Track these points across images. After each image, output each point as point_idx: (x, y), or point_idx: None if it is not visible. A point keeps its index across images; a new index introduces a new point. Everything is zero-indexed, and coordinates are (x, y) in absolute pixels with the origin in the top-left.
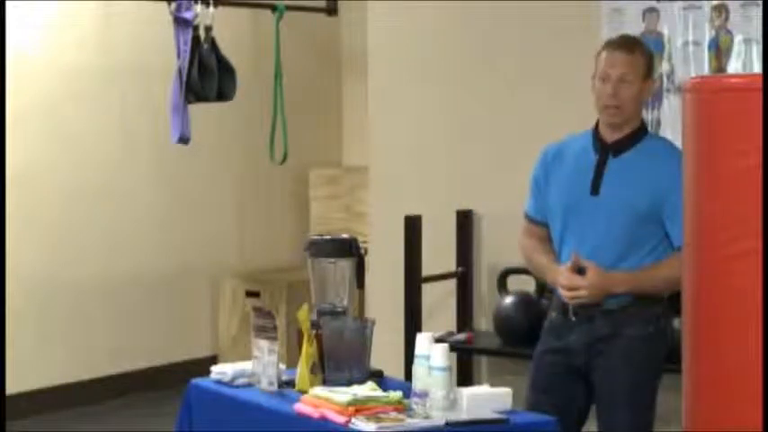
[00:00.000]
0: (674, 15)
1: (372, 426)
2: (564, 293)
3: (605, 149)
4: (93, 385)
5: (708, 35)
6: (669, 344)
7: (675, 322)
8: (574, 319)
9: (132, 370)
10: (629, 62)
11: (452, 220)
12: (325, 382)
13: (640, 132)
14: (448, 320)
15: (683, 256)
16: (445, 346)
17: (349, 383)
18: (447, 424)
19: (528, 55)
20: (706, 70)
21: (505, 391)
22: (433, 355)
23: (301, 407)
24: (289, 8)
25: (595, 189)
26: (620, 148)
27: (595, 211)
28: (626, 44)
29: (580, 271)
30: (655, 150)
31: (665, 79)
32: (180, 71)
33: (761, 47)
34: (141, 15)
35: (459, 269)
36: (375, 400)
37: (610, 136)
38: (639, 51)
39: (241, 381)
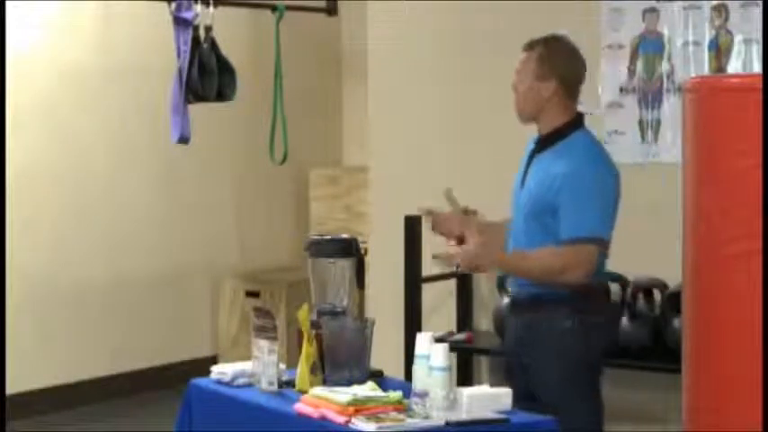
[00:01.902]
0: (674, 15)
1: (372, 426)
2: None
3: (536, 144)
4: (93, 385)
5: (708, 35)
6: (600, 337)
7: (675, 322)
8: (511, 307)
9: (132, 370)
10: (523, 59)
11: None
12: (325, 382)
13: (564, 130)
14: (448, 320)
15: (566, 249)
16: (445, 346)
17: (349, 383)
18: (447, 424)
19: None
20: (706, 70)
21: (505, 392)
22: (433, 355)
23: (301, 407)
24: (289, 8)
25: (523, 183)
26: (544, 144)
27: (519, 203)
28: (530, 43)
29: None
30: (568, 148)
31: (665, 79)
32: (180, 71)
33: (761, 47)
34: (141, 15)
35: (460, 271)
36: (375, 400)
37: (540, 132)
38: (537, 50)
39: (241, 381)
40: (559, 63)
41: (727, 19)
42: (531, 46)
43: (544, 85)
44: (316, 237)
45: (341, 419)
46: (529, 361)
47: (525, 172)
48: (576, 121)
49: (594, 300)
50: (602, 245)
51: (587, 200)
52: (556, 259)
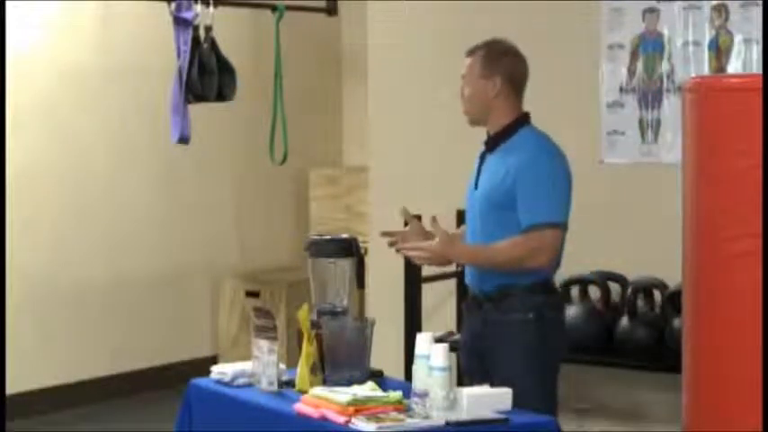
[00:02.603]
0: (674, 15)
1: (372, 426)
2: (409, 253)
3: (486, 146)
4: (93, 385)
5: (708, 35)
6: (560, 330)
7: (675, 322)
8: (471, 302)
9: (132, 370)
10: (467, 65)
11: (452, 220)
12: (325, 382)
13: (513, 127)
14: (448, 320)
15: (528, 235)
16: (445, 346)
17: (349, 383)
18: (447, 424)
19: (528, 55)
20: (706, 70)
21: (505, 391)
22: (433, 355)
23: (301, 407)
24: (289, 8)
25: (476, 184)
26: (494, 144)
27: (474, 204)
28: (470, 49)
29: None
30: (517, 144)
31: (665, 79)
32: (180, 71)
33: (761, 47)
34: (141, 15)
35: (459, 269)
36: (375, 400)
37: (489, 133)
38: (479, 53)
39: (241, 381)
40: (503, 61)
41: (727, 19)
42: (473, 51)
43: (490, 84)
44: (316, 237)
45: (341, 419)
46: (488, 356)
47: (478, 174)
48: (523, 119)
49: (551, 294)
50: (563, 228)
51: (542, 187)
52: (519, 247)
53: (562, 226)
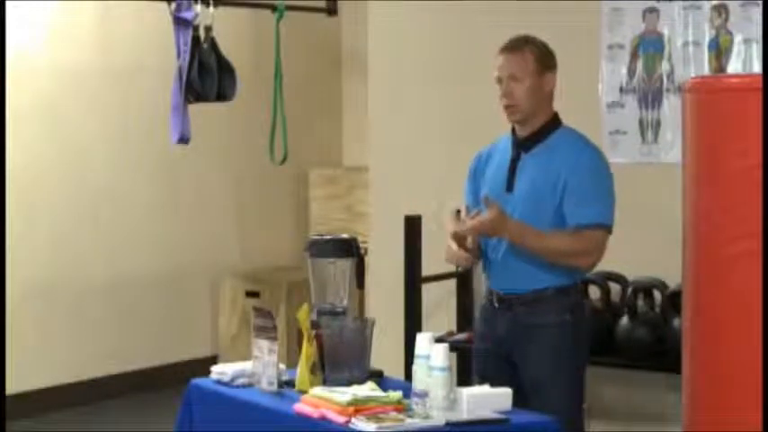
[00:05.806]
0: (674, 15)
1: (372, 426)
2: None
3: (518, 146)
4: (93, 385)
5: (708, 35)
6: (588, 331)
7: (675, 322)
8: (497, 305)
9: (132, 370)
10: (515, 61)
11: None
12: (325, 382)
13: (550, 126)
14: (448, 320)
15: (586, 233)
16: (445, 346)
17: (349, 383)
18: (447, 424)
19: None
20: (706, 70)
21: (505, 391)
22: (433, 355)
23: (301, 407)
24: (289, 8)
25: (510, 186)
26: (530, 144)
27: (509, 206)
28: (512, 45)
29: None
30: (559, 143)
31: (665, 79)
32: (180, 71)
33: (761, 47)
34: (141, 15)
35: (459, 269)
36: (375, 400)
37: (521, 133)
38: (528, 49)
39: (241, 381)
40: (551, 55)
41: (727, 19)
42: (516, 47)
43: (546, 79)
44: (316, 237)
45: (341, 419)
46: (517, 358)
47: (511, 176)
48: (557, 119)
49: (580, 295)
50: (610, 232)
51: (596, 187)
52: (570, 241)
53: (610, 229)
